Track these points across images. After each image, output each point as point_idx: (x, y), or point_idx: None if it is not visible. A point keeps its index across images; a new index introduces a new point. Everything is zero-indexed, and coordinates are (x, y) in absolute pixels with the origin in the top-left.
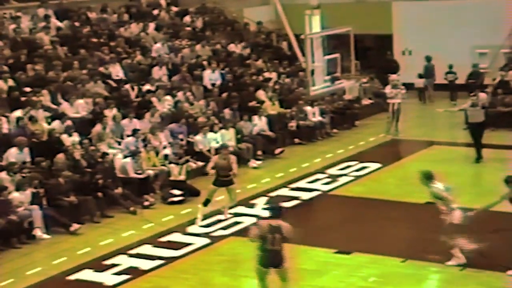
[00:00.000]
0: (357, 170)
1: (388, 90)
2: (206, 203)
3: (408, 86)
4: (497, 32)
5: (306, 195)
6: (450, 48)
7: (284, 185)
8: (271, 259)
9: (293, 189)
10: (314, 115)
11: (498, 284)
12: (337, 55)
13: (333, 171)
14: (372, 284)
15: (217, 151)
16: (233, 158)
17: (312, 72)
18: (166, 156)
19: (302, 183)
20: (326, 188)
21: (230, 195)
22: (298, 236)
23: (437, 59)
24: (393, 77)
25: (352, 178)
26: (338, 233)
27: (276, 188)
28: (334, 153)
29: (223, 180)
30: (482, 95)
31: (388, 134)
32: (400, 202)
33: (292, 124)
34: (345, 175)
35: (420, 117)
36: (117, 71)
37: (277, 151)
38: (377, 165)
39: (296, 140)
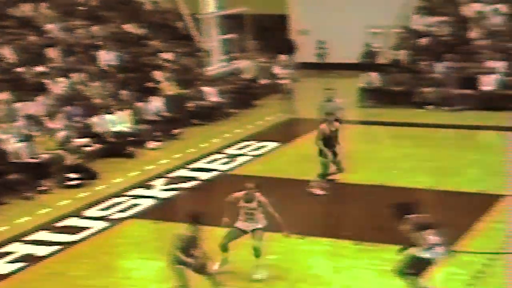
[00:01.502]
0: (255, 149)
1: (278, 70)
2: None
3: (306, 66)
4: (389, 12)
5: (205, 175)
6: (344, 27)
7: (182, 166)
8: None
9: (192, 169)
10: (212, 95)
11: (390, 256)
12: (233, 35)
13: (232, 150)
14: (271, 262)
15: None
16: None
17: (209, 53)
18: (62, 139)
19: (200, 164)
20: (225, 167)
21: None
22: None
23: (332, 39)
24: (283, 57)
25: (251, 157)
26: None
27: (174, 169)
28: (233, 133)
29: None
30: (374, 74)
31: (285, 113)
32: (297, 180)
33: (191, 105)
34: (243, 154)
35: (315, 95)
36: (8, 53)
37: (175, 132)
38: (275, 144)
39: (195, 121)
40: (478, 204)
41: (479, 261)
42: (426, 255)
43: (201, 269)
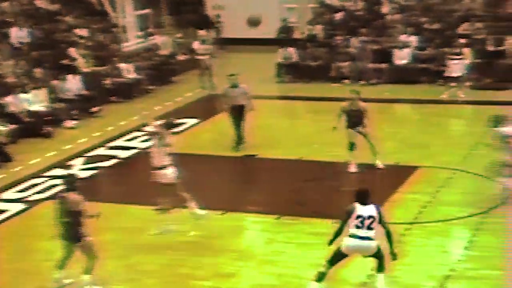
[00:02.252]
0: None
1: (196, 46)
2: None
3: (225, 41)
4: None
5: (124, 154)
6: (260, 3)
7: (101, 144)
8: (68, 232)
9: (111, 147)
10: (129, 72)
11: (310, 229)
12: (148, 10)
13: (151, 128)
14: (193, 238)
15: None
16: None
17: (124, 29)
18: None
19: (120, 142)
20: (145, 145)
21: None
22: (117, 195)
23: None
24: (202, 32)
25: (170, 134)
26: (157, 190)
27: (93, 148)
28: (152, 110)
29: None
30: (291, 50)
31: (204, 89)
32: (218, 156)
33: (108, 82)
34: None
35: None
36: None
37: (94, 109)
38: (194, 121)
39: (113, 98)
40: (394, 176)
41: (396, 231)
42: None
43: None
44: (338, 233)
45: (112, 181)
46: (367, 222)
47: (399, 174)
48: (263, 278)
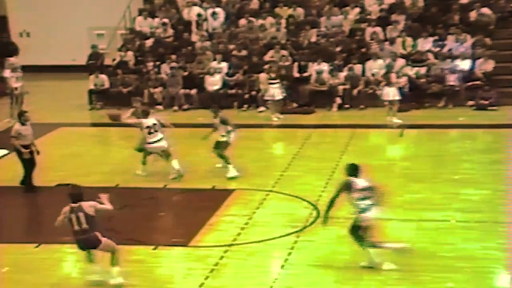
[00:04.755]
0: None
1: (7, 74)
2: None
3: (30, 68)
4: (111, 13)
5: None
6: (68, 29)
7: None
8: (83, 240)
9: None
10: None
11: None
12: None
13: None
14: (6, 274)
15: None
16: None
17: None
18: None
19: None
20: None
21: None
22: None
23: (57, 41)
24: (12, 60)
25: None
26: None
27: None
28: None
29: None
30: (102, 76)
31: (13, 119)
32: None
33: None
34: None
35: (45, 99)
36: None
37: None
38: (4, 152)
39: None
40: (212, 199)
41: (215, 254)
42: None
43: None
44: (330, 207)
45: None
46: (366, 193)
47: (215, 198)
48: None
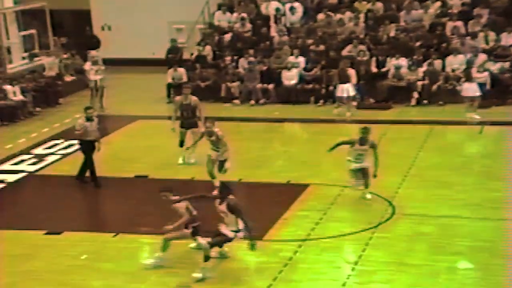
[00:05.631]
0: (64, 148)
1: (88, 66)
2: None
3: (111, 62)
4: (191, 8)
5: (11, 178)
6: (148, 23)
7: None
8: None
9: None
10: (14, 94)
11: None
12: (33, 31)
13: (39, 150)
14: (84, 261)
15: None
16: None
17: (9, 50)
18: None
19: (6, 166)
20: (33, 168)
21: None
22: (6, 220)
23: (137, 35)
24: (92, 53)
25: (60, 156)
26: (48, 213)
27: None
28: (39, 132)
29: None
30: (181, 70)
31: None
32: (110, 177)
33: None
34: (52, 154)
35: (124, 92)
36: None
37: None
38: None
39: None
40: (286, 194)
41: (289, 248)
42: (231, 235)
43: None
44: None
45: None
46: None
47: (290, 192)
48: None
